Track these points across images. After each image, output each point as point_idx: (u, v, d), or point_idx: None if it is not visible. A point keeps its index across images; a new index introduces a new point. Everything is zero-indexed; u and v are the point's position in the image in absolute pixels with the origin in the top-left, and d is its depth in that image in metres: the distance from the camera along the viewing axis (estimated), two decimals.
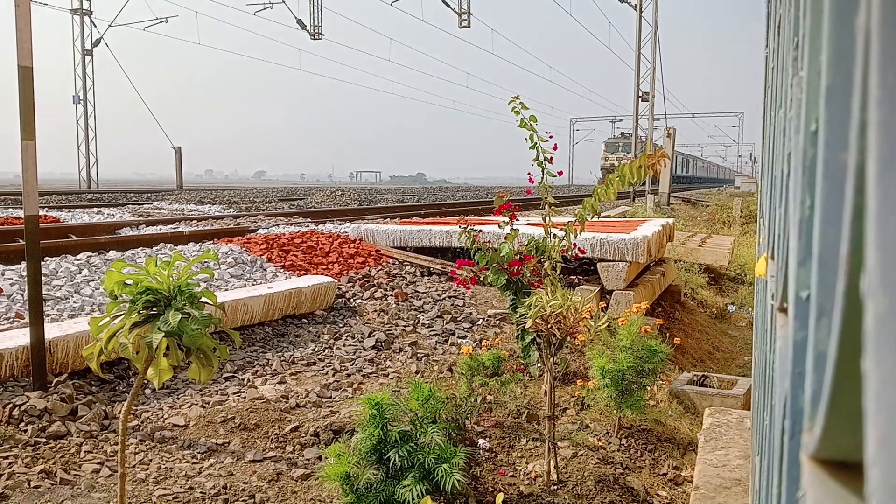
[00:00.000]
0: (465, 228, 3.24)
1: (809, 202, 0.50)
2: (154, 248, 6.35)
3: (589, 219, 3.02)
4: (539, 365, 3.88)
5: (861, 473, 0.31)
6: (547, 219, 3.06)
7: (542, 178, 3.03)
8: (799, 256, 0.54)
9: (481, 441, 3.41)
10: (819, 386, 0.38)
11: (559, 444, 3.38)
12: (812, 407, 0.40)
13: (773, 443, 0.83)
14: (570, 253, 3.10)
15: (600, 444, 3.55)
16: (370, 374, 4.11)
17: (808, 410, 0.42)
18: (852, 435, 0.34)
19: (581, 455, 3.40)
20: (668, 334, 5.29)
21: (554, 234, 3.07)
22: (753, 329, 2.58)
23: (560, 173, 3.25)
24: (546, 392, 3.08)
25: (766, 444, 1.11)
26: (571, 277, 6.08)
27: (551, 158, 3.07)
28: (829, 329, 0.35)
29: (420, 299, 5.58)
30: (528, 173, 3.26)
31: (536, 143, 3.02)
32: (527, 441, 3.49)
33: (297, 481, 2.87)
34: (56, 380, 3.24)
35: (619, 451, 3.52)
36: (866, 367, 0.26)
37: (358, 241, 6.97)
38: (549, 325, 2.83)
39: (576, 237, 3.04)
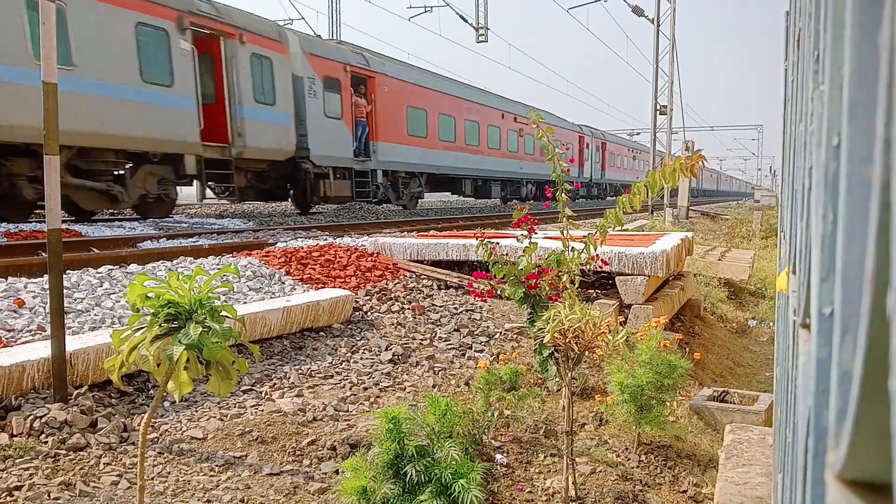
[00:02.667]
0: (483, 241, 3.24)
1: (832, 217, 0.49)
2: (174, 262, 6.41)
3: (611, 230, 3.00)
4: (557, 380, 3.86)
5: (889, 495, 0.30)
6: (565, 231, 3.05)
7: (559, 191, 3.03)
8: (821, 272, 0.54)
9: (498, 456, 3.39)
10: (844, 405, 0.37)
11: (577, 459, 3.35)
12: (837, 425, 0.40)
13: (797, 461, 0.82)
14: (592, 265, 3.09)
15: (619, 460, 3.52)
16: (387, 387, 4.10)
17: (832, 429, 0.41)
18: (880, 455, 0.34)
19: (599, 471, 3.37)
20: (687, 349, 5.24)
21: (572, 248, 3.06)
22: (775, 344, 2.55)
23: (577, 186, 3.25)
24: (564, 407, 3.05)
25: (788, 461, 1.09)
26: (589, 291, 6.05)
27: (568, 171, 3.07)
28: (854, 347, 0.35)
29: (437, 313, 5.58)
30: (546, 187, 3.27)
31: (553, 156, 3.02)
32: (545, 457, 3.46)
33: (314, 495, 2.87)
34: (76, 392, 3.26)
35: (638, 467, 3.48)
36: (893, 388, 0.25)
37: (375, 255, 6.99)
38: (567, 340, 2.82)
39: (596, 249, 3.02)
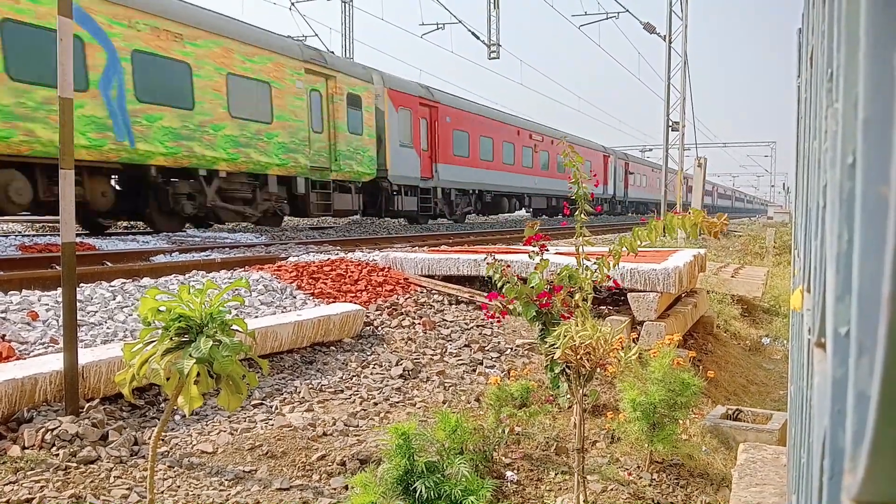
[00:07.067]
0: (493, 264, 3.23)
1: (847, 236, 0.49)
2: (187, 275, 6.44)
3: (625, 254, 3.00)
4: (568, 396, 3.84)
5: None
6: (581, 249, 3.05)
7: (579, 212, 3.03)
8: (837, 291, 0.53)
9: (509, 473, 3.36)
10: (861, 426, 0.37)
11: (588, 477, 3.32)
12: (854, 447, 0.39)
13: (812, 482, 0.81)
14: (603, 286, 3.08)
15: (631, 478, 3.48)
16: (397, 403, 4.09)
17: (849, 451, 0.40)
18: None
19: (611, 489, 3.33)
20: (700, 367, 5.20)
21: (586, 266, 3.05)
22: (789, 363, 2.53)
23: (599, 210, 3.27)
24: (575, 424, 3.03)
25: (803, 482, 1.08)
26: (601, 308, 6.02)
27: (592, 195, 3.08)
28: (871, 368, 0.34)
29: (448, 328, 5.57)
30: (565, 203, 3.29)
31: (577, 181, 3.04)
32: (555, 474, 3.43)
33: None
34: (88, 405, 3.27)
35: (650, 486, 3.44)
36: None
37: (386, 269, 6.99)
38: (578, 356, 2.80)
39: (609, 270, 3.02)
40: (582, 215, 3.01)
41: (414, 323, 5.58)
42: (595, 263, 3.02)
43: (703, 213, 2.77)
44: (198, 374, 2.25)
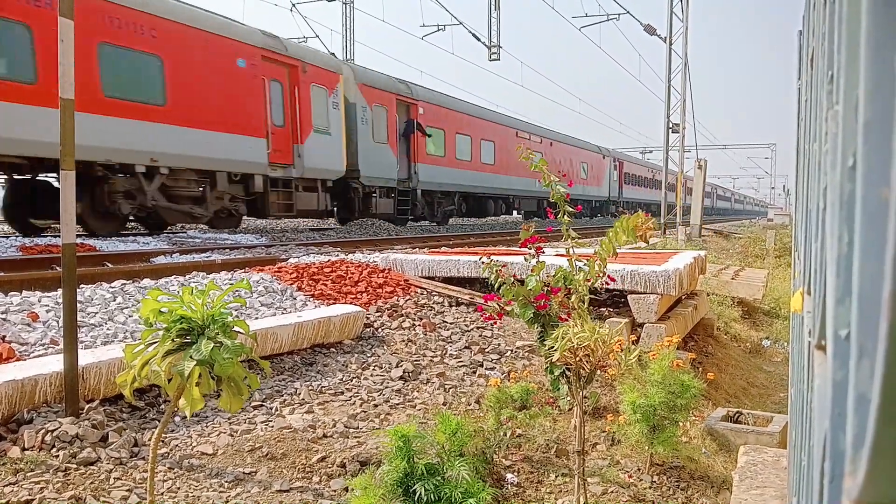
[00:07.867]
0: (490, 264, 3.23)
1: (847, 238, 0.49)
2: (187, 277, 6.44)
3: (609, 257, 3.03)
4: (568, 398, 3.84)
5: None
6: (571, 250, 3.05)
7: (561, 214, 3.04)
8: (837, 293, 0.53)
9: (509, 476, 3.36)
10: (861, 429, 0.37)
11: (589, 480, 3.31)
12: (854, 450, 0.39)
13: (812, 485, 0.81)
14: (597, 283, 3.08)
15: (631, 480, 3.48)
16: (397, 404, 4.09)
17: (849, 453, 0.40)
18: None
19: (611, 491, 3.33)
20: (700, 369, 5.20)
21: (580, 267, 3.06)
22: (789, 365, 2.53)
23: (579, 209, 3.27)
24: (576, 426, 3.03)
25: (804, 485, 1.08)
26: (601, 310, 6.02)
27: (567, 195, 3.09)
28: (872, 371, 0.34)
29: (448, 329, 5.56)
30: (547, 208, 3.30)
31: (550, 183, 3.05)
32: (556, 476, 3.43)
33: None
34: (88, 406, 3.27)
35: (650, 488, 3.44)
36: None
37: (387, 271, 6.99)
38: (577, 358, 2.80)
39: (599, 270, 3.02)
40: (566, 217, 3.02)
41: (414, 324, 5.57)
42: (587, 265, 3.03)
43: (643, 215, 2.85)
44: (199, 376, 2.25)
